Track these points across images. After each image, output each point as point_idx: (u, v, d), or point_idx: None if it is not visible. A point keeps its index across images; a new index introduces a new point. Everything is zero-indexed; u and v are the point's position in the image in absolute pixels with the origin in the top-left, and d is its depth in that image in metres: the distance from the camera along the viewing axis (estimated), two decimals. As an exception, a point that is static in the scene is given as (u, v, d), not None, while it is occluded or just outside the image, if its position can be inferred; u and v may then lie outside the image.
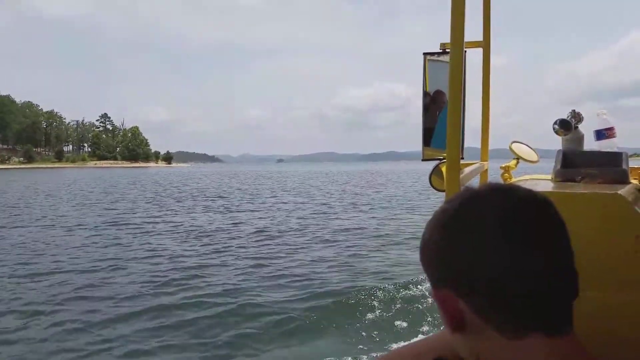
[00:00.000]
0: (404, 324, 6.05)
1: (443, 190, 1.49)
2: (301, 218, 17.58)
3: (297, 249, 11.52)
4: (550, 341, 0.58)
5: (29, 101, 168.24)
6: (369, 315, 6.39)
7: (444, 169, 1.44)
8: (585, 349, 0.61)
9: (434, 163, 1.80)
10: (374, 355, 5.02)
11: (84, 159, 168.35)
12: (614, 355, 1.05)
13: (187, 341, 5.79)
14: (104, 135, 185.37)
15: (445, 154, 1.33)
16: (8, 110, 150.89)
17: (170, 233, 14.19)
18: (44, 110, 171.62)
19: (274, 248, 11.58)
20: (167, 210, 21.22)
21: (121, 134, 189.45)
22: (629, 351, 1.06)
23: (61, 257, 10.55)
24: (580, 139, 1.57)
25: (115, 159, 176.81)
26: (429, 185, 1.80)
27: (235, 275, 8.89)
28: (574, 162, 1.48)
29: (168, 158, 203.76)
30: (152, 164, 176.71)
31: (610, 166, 1.43)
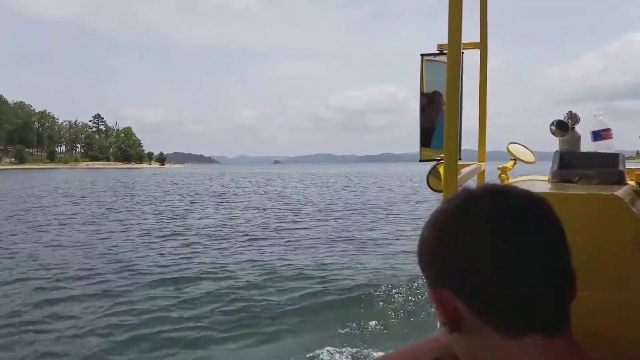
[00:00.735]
0: (404, 325, 6.07)
1: (440, 191, 1.49)
2: (297, 222, 17.57)
3: (297, 249, 11.53)
4: (547, 341, 0.58)
5: (21, 101, 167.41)
6: (368, 316, 6.40)
7: (441, 169, 1.44)
8: (582, 349, 0.61)
9: (431, 164, 1.80)
10: (374, 355, 5.03)
11: (76, 160, 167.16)
12: (612, 356, 1.05)
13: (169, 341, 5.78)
14: (96, 136, 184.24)
15: (442, 155, 1.33)
16: (0, 111, 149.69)
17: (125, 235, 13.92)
18: (37, 110, 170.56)
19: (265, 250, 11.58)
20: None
21: (114, 134, 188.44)
22: (627, 352, 1.06)
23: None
24: (577, 140, 1.57)
25: (108, 159, 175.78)
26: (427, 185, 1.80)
27: (236, 275, 8.89)
28: (571, 163, 1.49)
29: (161, 159, 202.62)
30: (145, 165, 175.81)
31: (607, 167, 1.43)
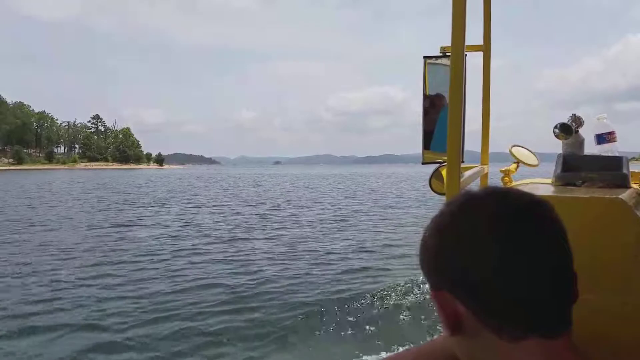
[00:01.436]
0: (406, 327, 6.07)
1: (443, 194, 1.48)
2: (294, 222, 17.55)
3: (294, 250, 11.50)
4: (548, 344, 0.58)
5: (20, 101, 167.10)
6: (371, 318, 6.40)
7: (444, 172, 1.43)
8: (582, 352, 0.61)
9: (434, 166, 1.79)
10: (376, 358, 5.02)
11: (74, 161, 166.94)
12: (613, 358, 1.05)
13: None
14: (95, 137, 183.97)
15: (445, 158, 1.32)
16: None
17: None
18: (36, 110, 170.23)
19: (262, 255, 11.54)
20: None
21: (113, 135, 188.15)
22: (629, 354, 1.06)
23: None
24: (580, 143, 1.56)
25: (106, 160, 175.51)
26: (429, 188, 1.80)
27: (235, 276, 8.86)
28: (574, 166, 1.48)
29: (160, 160, 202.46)
30: (143, 166, 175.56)
31: (611, 170, 1.43)
